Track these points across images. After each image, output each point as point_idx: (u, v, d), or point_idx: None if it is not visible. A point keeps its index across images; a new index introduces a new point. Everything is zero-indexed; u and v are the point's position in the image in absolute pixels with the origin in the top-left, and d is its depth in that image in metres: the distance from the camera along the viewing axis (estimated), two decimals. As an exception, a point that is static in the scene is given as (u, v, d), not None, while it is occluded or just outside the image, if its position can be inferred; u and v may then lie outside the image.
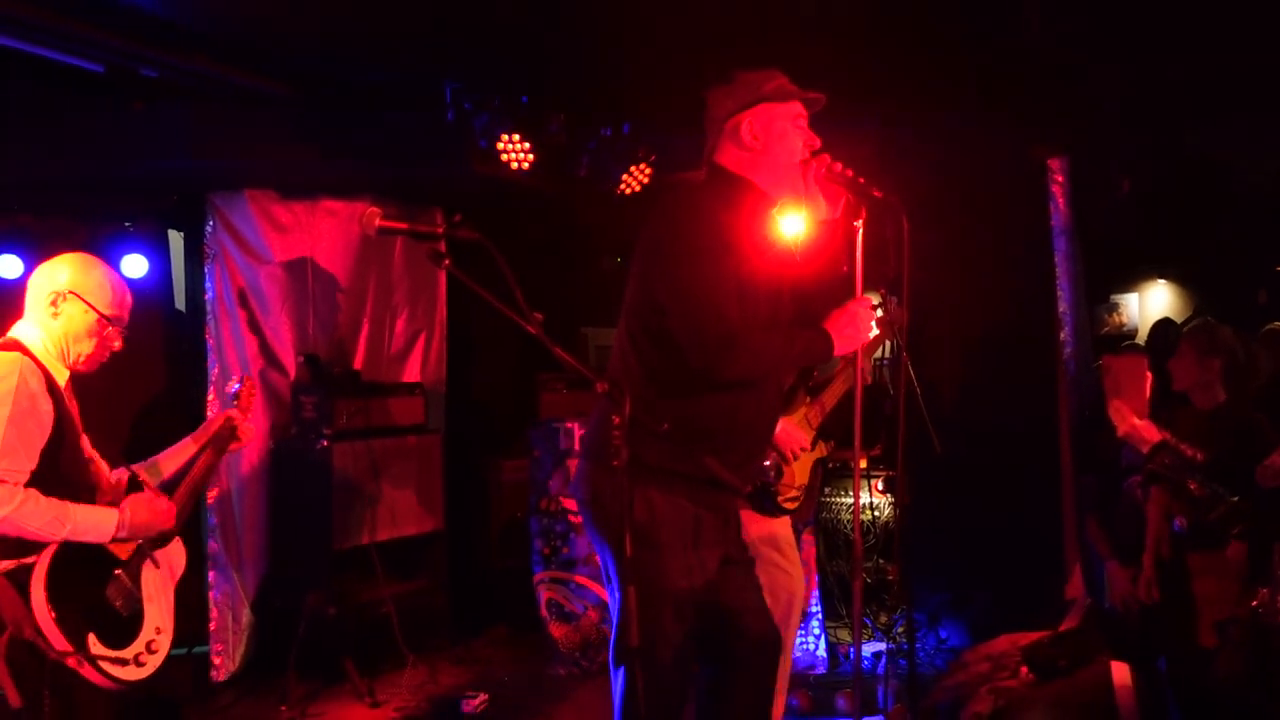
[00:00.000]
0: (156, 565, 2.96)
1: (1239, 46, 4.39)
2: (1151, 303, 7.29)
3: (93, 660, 2.59)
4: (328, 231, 5.75)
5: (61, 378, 2.84)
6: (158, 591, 2.92)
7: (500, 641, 5.86)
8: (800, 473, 3.96)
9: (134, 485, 3.00)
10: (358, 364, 5.88)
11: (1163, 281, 7.29)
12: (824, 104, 2.79)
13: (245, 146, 5.02)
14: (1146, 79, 4.65)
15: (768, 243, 2.74)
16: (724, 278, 2.56)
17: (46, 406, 2.69)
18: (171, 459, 3.18)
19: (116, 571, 2.80)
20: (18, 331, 2.83)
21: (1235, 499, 3.14)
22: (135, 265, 5.31)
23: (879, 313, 2.94)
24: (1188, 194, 5.16)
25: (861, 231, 2.70)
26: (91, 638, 2.64)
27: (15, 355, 2.69)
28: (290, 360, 5.57)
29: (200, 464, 3.13)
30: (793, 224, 2.88)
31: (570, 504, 5.38)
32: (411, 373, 6.18)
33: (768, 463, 3.82)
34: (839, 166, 2.69)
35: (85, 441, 2.93)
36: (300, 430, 5.33)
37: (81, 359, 2.87)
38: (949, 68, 4.69)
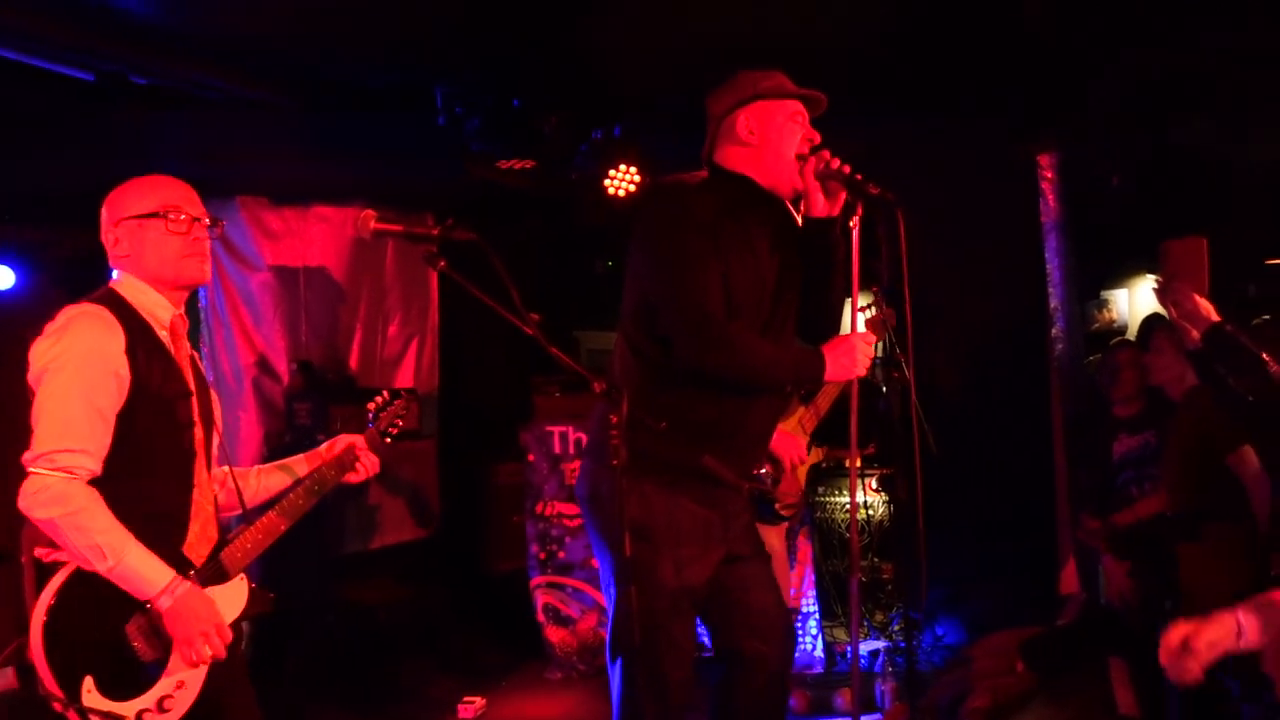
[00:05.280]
0: None
1: (1226, 36, 4.42)
2: (1141, 299, 7.30)
3: (82, 712, 2.13)
4: (319, 238, 5.75)
5: (165, 317, 2.42)
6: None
7: (497, 646, 5.85)
8: (796, 480, 3.98)
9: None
10: (351, 370, 5.88)
11: (1152, 277, 7.31)
12: (825, 105, 2.79)
13: (236, 153, 5.03)
14: (1135, 72, 4.67)
15: (766, 241, 2.74)
16: (710, 274, 2.59)
17: (122, 370, 2.25)
18: (273, 476, 2.71)
19: (148, 603, 2.26)
20: (114, 282, 2.43)
21: None
22: (127, 274, 5.30)
23: (869, 313, 2.90)
24: (1176, 188, 5.18)
25: (857, 229, 2.67)
26: (88, 682, 2.16)
27: (85, 309, 2.29)
28: (284, 367, 5.57)
29: (296, 494, 2.61)
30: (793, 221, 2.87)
31: (565, 508, 5.38)
32: (405, 378, 6.17)
33: (765, 470, 3.83)
34: (836, 162, 2.66)
35: (194, 404, 2.43)
36: (295, 437, 5.31)
37: (176, 271, 2.44)
38: (940, 65, 4.70)
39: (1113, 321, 7.29)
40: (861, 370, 2.72)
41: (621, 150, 5.20)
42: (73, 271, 5.34)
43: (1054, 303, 5.13)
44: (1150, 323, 6.38)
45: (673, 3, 4.05)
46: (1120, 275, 7.36)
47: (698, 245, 2.59)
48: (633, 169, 5.26)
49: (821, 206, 2.71)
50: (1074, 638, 4.34)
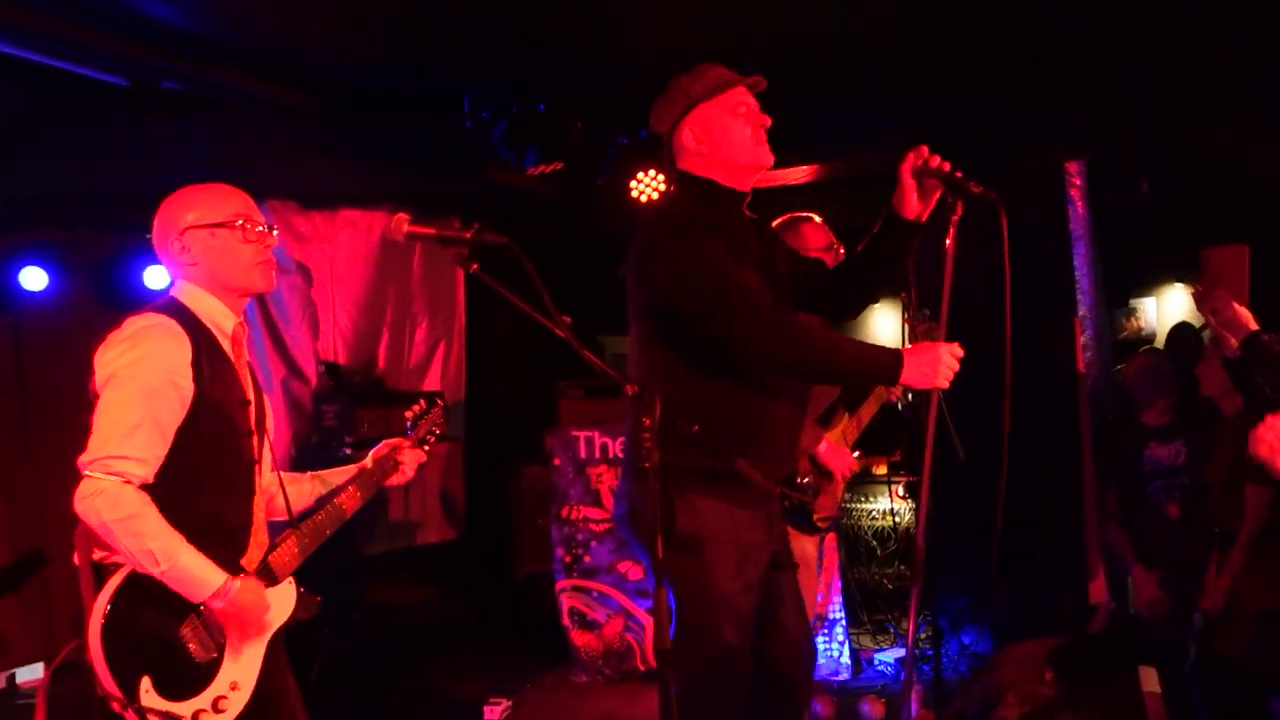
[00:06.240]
0: None
1: (1256, 39, 4.38)
2: (1169, 306, 7.24)
3: (140, 712, 2.15)
4: (347, 241, 5.79)
5: (228, 326, 2.45)
6: (246, 639, 2.40)
7: (523, 649, 5.86)
8: (835, 491, 3.97)
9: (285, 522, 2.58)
10: (378, 372, 5.91)
11: (1180, 285, 7.24)
12: (765, 84, 2.69)
13: (266, 157, 5.06)
14: (1165, 79, 4.64)
15: (749, 233, 2.71)
16: (725, 261, 2.54)
17: (186, 382, 2.28)
18: (317, 482, 2.77)
19: (202, 605, 2.29)
20: (176, 291, 2.43)
21: None
22: (158, 276, 5.34)
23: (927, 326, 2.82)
24: (1205, 195, 5.14)
25: (954, 230, 2.51)
26: (146, 682, 2.18)
27: (154, 320, 2.30)
28: (312, 369, 5.61)
29: (340, 498, 2.68)
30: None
31: (591, 512, 5.38)
32: (432, 381, 6.21)
33: (808, 480, 3.81)
34: (936, 160, 2.54)
35: (251, 412, 2.47)
36: (322, 439, 5.34)
37: (248, 279, 2.45)
38: (968, 70, 4.69)
39: (1141, 330, 7.23)
40: (944, 382, 2.60)
41: (647, 154, 5.21)
42: (104, 273, 5.40)
43: (1083, 310, 5.10)
44: (1178, 330, 6.35)
45: (695, 7, 4.06)
46: (1149, 283, 7.30)
47: (716, 249, 2.56)
48: (660, 174, 5.27)
49: (914, 206, 2.60)
50: (1103, 647, 4.31)
